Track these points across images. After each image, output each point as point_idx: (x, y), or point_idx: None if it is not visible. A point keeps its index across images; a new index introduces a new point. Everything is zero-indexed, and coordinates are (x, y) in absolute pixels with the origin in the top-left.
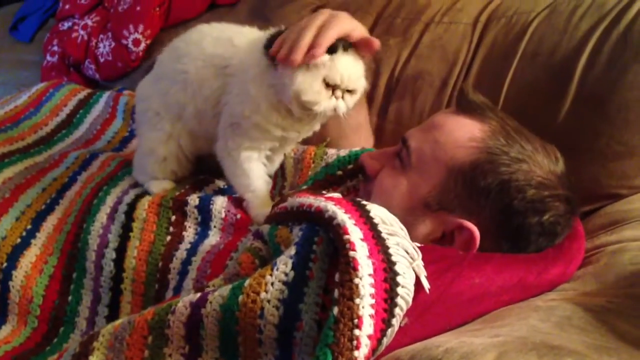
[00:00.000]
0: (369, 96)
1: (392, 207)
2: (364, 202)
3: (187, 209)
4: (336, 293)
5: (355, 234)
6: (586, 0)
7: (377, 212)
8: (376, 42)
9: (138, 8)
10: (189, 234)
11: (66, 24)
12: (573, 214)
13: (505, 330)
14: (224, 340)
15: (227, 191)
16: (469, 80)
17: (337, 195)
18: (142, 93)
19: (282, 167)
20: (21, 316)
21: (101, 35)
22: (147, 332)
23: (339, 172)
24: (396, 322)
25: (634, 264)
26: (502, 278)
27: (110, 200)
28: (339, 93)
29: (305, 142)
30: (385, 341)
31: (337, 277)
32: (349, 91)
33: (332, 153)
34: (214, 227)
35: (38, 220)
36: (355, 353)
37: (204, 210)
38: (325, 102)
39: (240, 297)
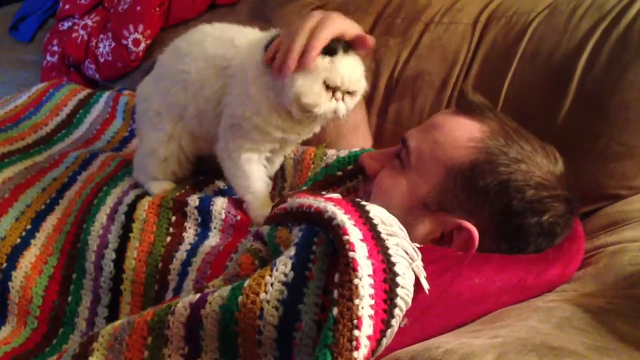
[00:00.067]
0: (369, 96)
1: (392, 207)
2: (364, 203)
3: (187, 210)
4: (335, 294)
5: (354, 234)
6: (586, 0)
7: (377, 212)
8: (370, 39)
9: (138, 8)
10: (189, 234)
11: (66, 24)
12: (572, 214)
13: (505, 331)
14: (224, 341)
15: (227, 192)
16: (469, 81)
17: (336, 195)
18: (142, 93)
19: (282, 168)
20: (21, 317)
21: (101, 35)
22: (146, 333)
23: (339, 173)
24: (396, 322)
25: (633, 264)
26: (501, 278)
27: (110, 201)
28: (339, 95)
29: (305, 142)
30: (385, 342)
31: (336, 277)
32: (349, 93)
33: (331, 154)
34: (214, 228)
35: (38, 220)
36: (355, 354)
37: (204, 211)
38: (325, 104)
39: (240, 298)
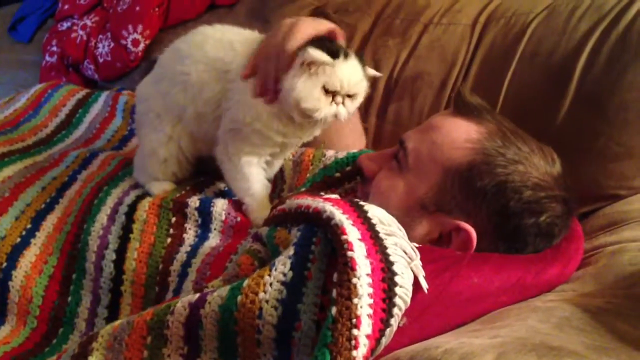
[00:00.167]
0: (368, 97)
1: (390, 208)
2: (362, 203)
3: (187, 211)
4: (334, 293)
5: (353, 234)
6: (585, 1)
7: (375, 212)
8: (340, 33)
9: (137, 8)
10: (189, 236)
11: (65, 24)
12: (570, 215)
13: (505, 331)
14: (223, 341)
15: (228, 194)
16: (468, 81)
17: (334, 196)
18: (142, 94)
19: (281, 170)
20: (20, 316)
21: (100, 36)
22: (146, 333)
23: (337, 174)
24: (395, 322)
25: (633, 264)
26: (500, 278)
27: (110, 201)
28: (339, 99)
29: (304, 144)
30: (384, 341)
31: (335, 277)
32: (350, 96)
33: (330, 155)
34: (214, 229)
35: (38, 220)
36: (354, 353)
37: (205, 212)
38: (325, 109)
39: (239, 298)
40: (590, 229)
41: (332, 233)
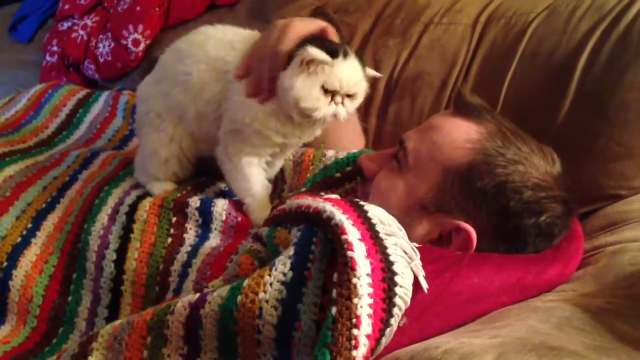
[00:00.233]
0: (368, 97)
1: (390, 208)
2: (362, 203)
3: (188, 211)
4: (334, 293)
5: (353, 234)
6: (586, 0)
7: (375, 212)
8: (331, 31)
9: (138, 8)
10: (190, 236)
11: (66, 24)
12: (570, 215)
13: (505, 331)
14: (223, 341)
15: (228, 194)
16: (468, 81)
17: (335, 196)
18: (143, 94)
19: (282, 170)
20: (20, 316)
21: (101, 36)
22: (146, 333)
23: (337, 175)
24: (395, 322)
25: (633, 264)
26: (500, 278)
27: (111, 201)
28: (338, 99)
29: (304, 144)
30: (384, 341)
31: (335, 277)
32: (349, 96)
33: (330, 155)
34: (215, 229)
35: (38, 219)
36: (354, 353)
37: (205, 212)
38: (324, 108)
39: (239, 298)
40: (591, 229)
41: (332, 233)
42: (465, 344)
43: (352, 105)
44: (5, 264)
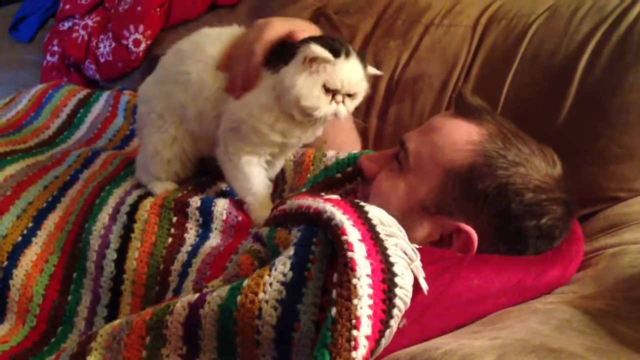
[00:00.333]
0: (369, 98)
1: (390, 209)
2: (362, 204)
3: (188, 211)
4: (334, 293)
5: (353, 234)
6: (587, 2)
7: (376, 213)
8: (309, 32)
9: (138, 8)
10: (190, 235)
11: (66, 24)
12: (571, 217)
13: (505, 333)
14: (222, 341)
15: (229, 193)
16: (469, 83)
17: (335, 197)
18: (144, 94)
19: (282, 170)
20: (20, 315)
21: (101, 36)
22: (145, 333)
23: (338, 175)
24: (394, 323)
25: (633, 266)
26: (500, 279)
27: (112, 201)
28: (339, 98)
29: (305, 144)
30: (384, 342)
31: (335, 277)
32: (350, 95)
33: (331, 156)
34: (215, 229)
35: (39, 218)
36: (353, 354)
37: (206, 212)
38: (325, 107)
39: (239, 298)
40: (591, 231)
41: (332, 233)
42: (465, 346)
43: (353, 104)
44: (5, 263)
